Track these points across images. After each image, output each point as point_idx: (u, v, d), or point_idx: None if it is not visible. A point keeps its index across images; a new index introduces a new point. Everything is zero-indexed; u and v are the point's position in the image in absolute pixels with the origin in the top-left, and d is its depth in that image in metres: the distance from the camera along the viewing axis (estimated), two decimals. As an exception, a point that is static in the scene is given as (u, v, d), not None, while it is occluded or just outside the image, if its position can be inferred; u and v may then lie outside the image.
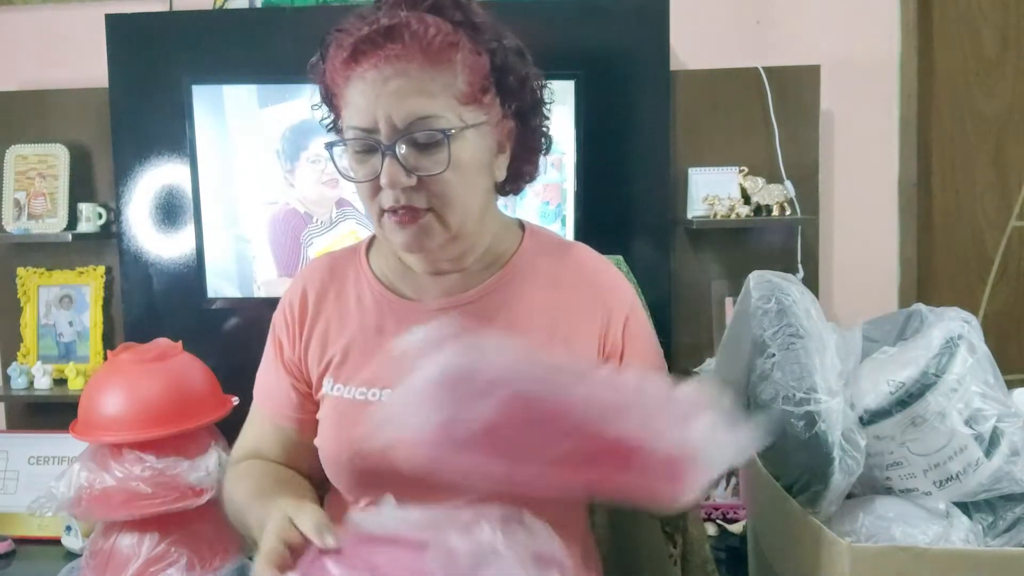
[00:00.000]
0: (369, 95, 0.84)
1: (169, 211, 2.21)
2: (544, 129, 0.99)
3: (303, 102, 2.03)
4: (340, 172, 0.90)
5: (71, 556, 1.96)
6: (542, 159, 1.02)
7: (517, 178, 0.99)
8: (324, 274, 1.02)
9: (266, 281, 2.11)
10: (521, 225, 1.04)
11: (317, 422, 0.99)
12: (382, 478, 0.89)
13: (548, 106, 0.99)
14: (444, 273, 0.97)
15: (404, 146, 0.84)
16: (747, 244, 2.22)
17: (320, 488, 1.00)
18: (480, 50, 0.88)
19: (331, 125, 0.97)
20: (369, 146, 0.86)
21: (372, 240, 1.05)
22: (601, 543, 1.18)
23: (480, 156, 0.90)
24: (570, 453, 0.67)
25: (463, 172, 0.87)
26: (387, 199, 0.87)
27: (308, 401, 1.00)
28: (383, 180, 0.85)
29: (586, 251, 1.04)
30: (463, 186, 0.88)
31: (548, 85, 0.98)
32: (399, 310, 0.97)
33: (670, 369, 1.06)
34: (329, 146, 0.90)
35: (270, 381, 1.02)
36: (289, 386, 1.00)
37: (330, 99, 0.93)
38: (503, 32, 0.92)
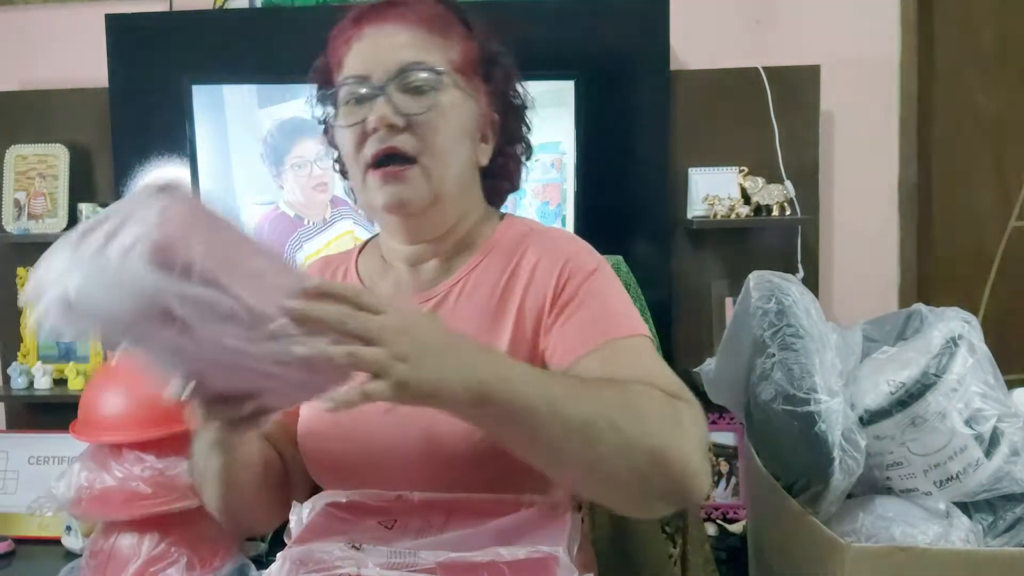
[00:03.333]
0: (368, 47, 0.89)
1: (169, 211, 2.21)
2: (526, 134, 1.02)
3: (303, 103, 2.02)
4: (327, 120, 0.94)
5: (71, 556, 1.96)
6: (524, 170, 1.04)
7: (502, 175, 1.01)
8: (316, 275, 1.04)
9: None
10: (502, 215, 1.04)
11: (297, 417, 0.99)
12: (352, 471, 0.90)
13: (528, 112, 1.02)
14: (422, 263, 0.97)
15: (395, 89, 0.87)
16: (747, 244, 2.22)
17: (301, 482, 0.99)
18: (471, 36, 0.94)
19: (324, 121, 1.00)
20: (360, 94, 0.89)
21: (365, 244, 1.07)
22: (601, 543, 1.18)
23: (465, 120, 0.93)
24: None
25: (449, 123, 0.90)
26: (372, 145, 0.88)
27: None
28: (371, 119, 0.87)
29: (558, 230, 1.04)
30: (448, 138, 0.90)
31: (530, 96, 1.02)
32: None
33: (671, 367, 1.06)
34: (322, 96, 0.94)
35: None
36: None
37: (328, 82, 0.96)
38: (490, 32, 0.97)
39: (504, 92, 0.98)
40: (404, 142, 0.87)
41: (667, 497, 0.75)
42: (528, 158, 1.05)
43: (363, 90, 0.89)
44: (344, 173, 1.02)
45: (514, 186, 1.04)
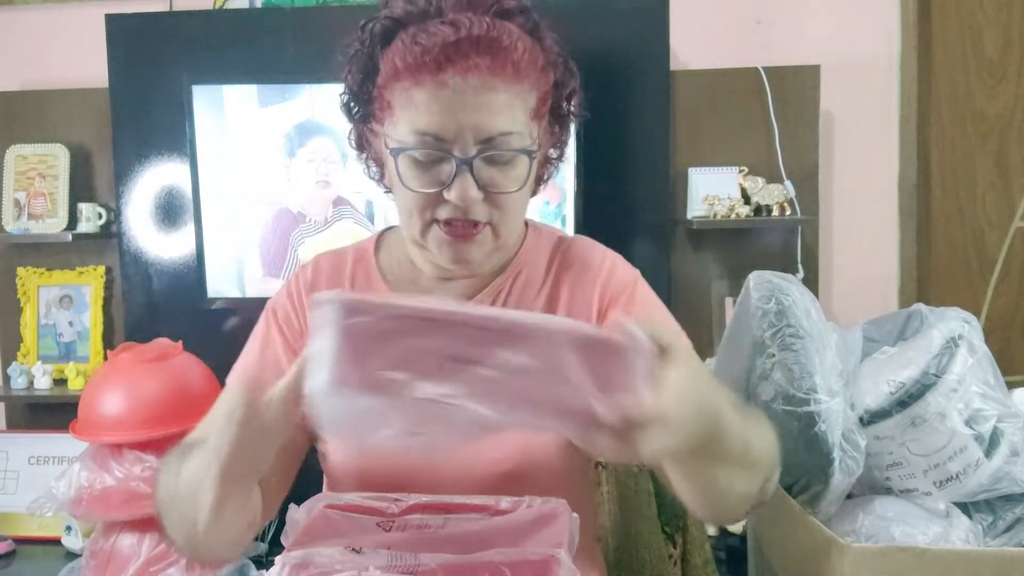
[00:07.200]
0: (451, 103, 0.80)
1: (169, 211, 2.21)
2: (567, 141, 0.99)
3: (303, 102, 2.02)
4: (401, 180, 0.85)
5: (71, 556, 1.96)
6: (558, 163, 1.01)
7: (538, 181, 0.98)
8: (334, 271, 1.00)
9: (252, 278, 2.11)
10: (525, 223, 1.03)
11: (303, 420, 0.96)
12: (390, 480, 0.89)
13: (577, 117, 0.98)
14: (456, 278, 0.95)
15: (481, 161, 0.82)
16: (747, 244, 2.22)
17: (275, 496, 0.91)
18: (547, 65, 0.88)
19: (351, 113, 0.93)
20: (437, 156, 0.83)
21: (379, 240, 1.03)
22: (602, 543, 1.18)
23: (536, 172, 0.90)
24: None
25: (525, 191, 0.88)
26: (446, 211, 0.84)
27: None
28: (453, 195, 0.82)
29: (584, 244, 1.02)
30: (520, 201, 0.88)
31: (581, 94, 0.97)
32: None
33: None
34: (396, 152, 0.85)
35: (265, 368, 0.97)
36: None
37: (368, 88, 0.89)
38: (560, 42, 0.91)
39: (564, 111, 0.94)
40: (480, 212, 0.84)
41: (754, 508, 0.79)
42: (561, 158, 1.00)
43: (441, 155, 0.82)
44: (377, 181, 0.96)
45: (545, 182, 1.01)
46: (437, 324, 0.59)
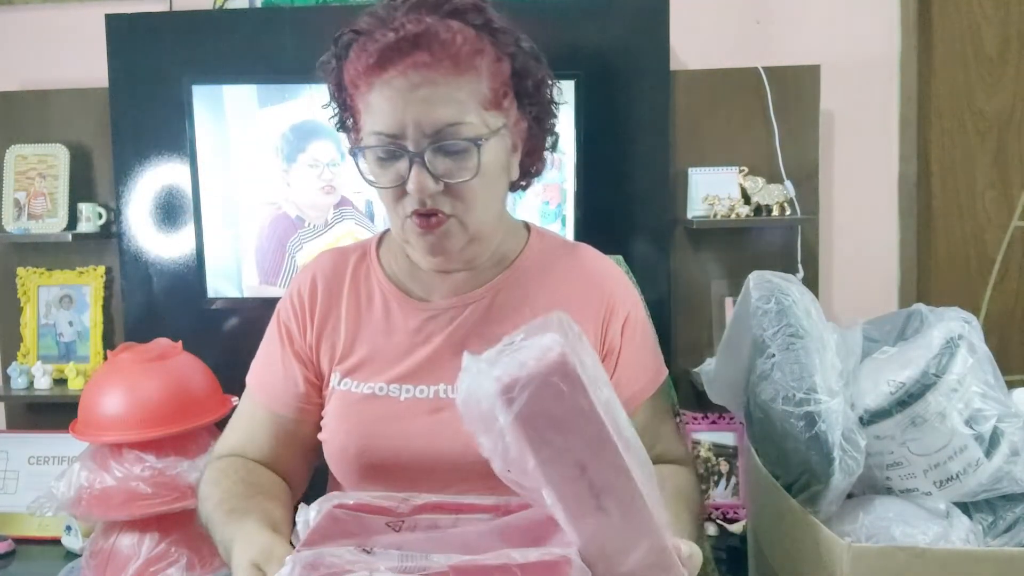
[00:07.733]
0: (396, 102, 0.85)
1: (169, 211, 2.21)
2: (553, 127, 1.02)
3: (303, 102, 2.02)
4: (364, 177, 0.91)
5: (71, 556, 1.96)
6: (548, 155, 1.04)
7: (525, 174, 1.01)
8: (336, 267, 1.03)
9: (249, 286, 2.11)
10: (527, 227, 1.07)
11: (318, 414, 0.99)
12: (389, 472, 0.90)
13: (557, 106, 1.01)
14: (452, 272, 0.98)
15: (433, 153, 0.86)
16: (747, 244, 2.22)
17: (301, 487, 1.01)
18: (501, 55, 0.90)
19: (340, 124, 0.98)
20: (393, 152, 0.87)
21: (382, 237, 1.06)
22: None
23: (501, 159, 0.93)
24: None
25: (487, 177, 0.90)
26: (411, 203, 0.88)
27: (314, 391, 1.00)
28: (411, 187, 0.86)
29: (590, 251, 1.06)
30: (485, 190, 0.91)
31: (558, 84, 1.00)
32: (408, 309, 0.98)
33: (670, 368, 1.06)
34: (354, 152, 0.91)
35: (273, 370, 1.01)
36: (296, 374, 1.00)
37: (343, 99, 0.94)
38: (520, 35, 0.94)
39: (534, 100, 0.96)
40: (442, 203, 0.88)
41: None
42: (554, 149, 1.04)
43: (397, 151, 0.87)
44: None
45: (539, 174, 1.05)
46: (601, 439, 0.64)
